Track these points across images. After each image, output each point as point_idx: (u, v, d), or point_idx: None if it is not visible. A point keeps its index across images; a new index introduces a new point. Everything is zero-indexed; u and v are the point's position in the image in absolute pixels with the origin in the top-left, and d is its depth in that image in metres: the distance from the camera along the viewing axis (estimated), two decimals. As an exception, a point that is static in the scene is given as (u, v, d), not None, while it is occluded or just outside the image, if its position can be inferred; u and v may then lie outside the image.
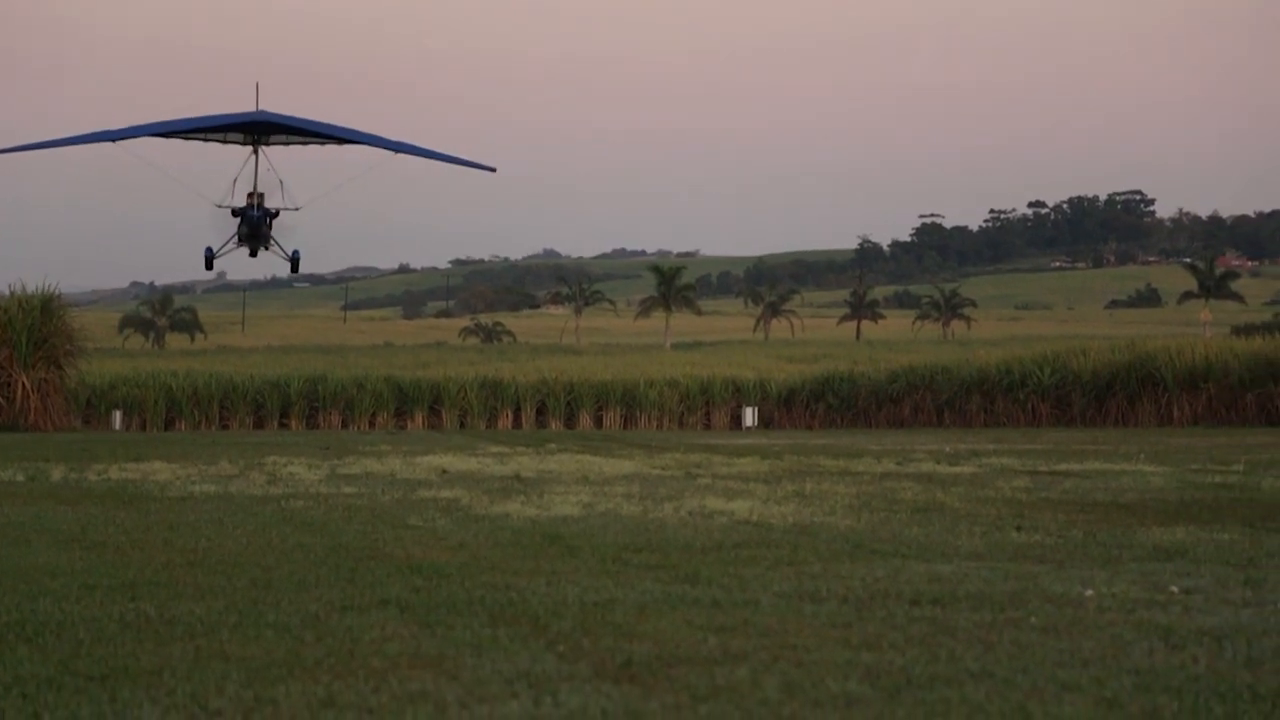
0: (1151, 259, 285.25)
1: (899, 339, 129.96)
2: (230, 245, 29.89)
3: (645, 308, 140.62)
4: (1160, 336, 68.67)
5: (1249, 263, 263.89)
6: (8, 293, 51.66)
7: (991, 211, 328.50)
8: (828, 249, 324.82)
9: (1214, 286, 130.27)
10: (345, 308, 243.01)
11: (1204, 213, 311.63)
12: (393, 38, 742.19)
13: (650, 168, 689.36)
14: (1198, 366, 56.84)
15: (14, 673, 7.30)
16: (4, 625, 8.60)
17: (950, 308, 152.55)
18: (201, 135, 29.67)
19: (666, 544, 12.45)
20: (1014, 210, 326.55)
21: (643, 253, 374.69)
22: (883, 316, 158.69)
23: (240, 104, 29.69)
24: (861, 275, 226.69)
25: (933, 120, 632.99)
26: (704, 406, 70.72)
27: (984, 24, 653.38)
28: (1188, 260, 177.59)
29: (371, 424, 67.63)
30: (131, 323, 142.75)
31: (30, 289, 51.67)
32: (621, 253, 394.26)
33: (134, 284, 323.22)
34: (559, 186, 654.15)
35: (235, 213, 29.37)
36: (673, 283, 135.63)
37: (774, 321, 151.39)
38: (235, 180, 29.27)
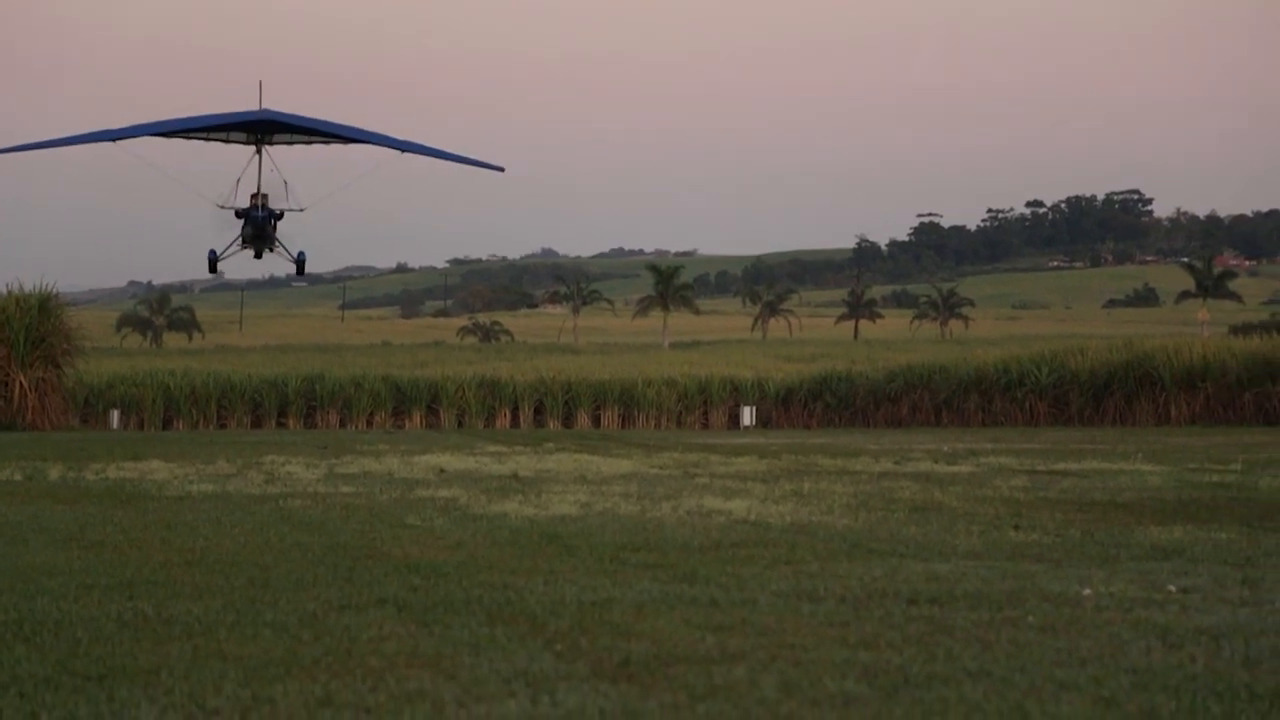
0: (1149, 258, 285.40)
1: (897, 338, 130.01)
2: (234, 247, 29.34)
3: (643, 307, 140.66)
4: (1158, 336, 68.63)
5: (1247, 262, 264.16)
6: (5, 292, 51.60)
7: (989, 211, 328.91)
8: (826, 248, 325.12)
9: (1212, 286, 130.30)
10: (343, 307, 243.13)
11: (1202, 212, 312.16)
12: (393, 38, 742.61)
13: (648, 167, 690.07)
14: (1195, 366, 56.85)
15: (12, 672, 7.30)
16: (2, 624, 8.59)
17: (948, 307, 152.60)
18: (204, 134, 29.17)
19: (664, 543, 12.45)
20: (1012, 210, 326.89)
21: (641, 252, 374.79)
22: (881, 316, 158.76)
23: (240, 104, 29.23)
24: (859, 275, 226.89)
25: (930, 120, 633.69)
26: (702, 406, 70.71)
27: (983, 24, 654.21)
28: (1185, 260, 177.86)
29: (369, 423, 67.62)
30: (129, 322, 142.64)
31: (28, 288, 51.67)
32: (619, 252, 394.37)
33: (132, 283, 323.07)
34: (557, 186, 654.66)
35: (239, 214, 28.81)
36: (671, 282, 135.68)
37: (772, 321, 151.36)
38: (238, 180, 28.83)
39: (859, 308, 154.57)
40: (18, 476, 21.27)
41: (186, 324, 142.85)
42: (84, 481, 20.52)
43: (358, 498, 17.61)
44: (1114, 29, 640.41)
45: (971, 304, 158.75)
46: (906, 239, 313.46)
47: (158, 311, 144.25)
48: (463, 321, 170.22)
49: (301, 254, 29.67)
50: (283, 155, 29.18)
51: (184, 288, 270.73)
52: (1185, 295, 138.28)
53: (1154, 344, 60.08)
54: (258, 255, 29.42)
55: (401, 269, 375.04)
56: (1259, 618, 8.76)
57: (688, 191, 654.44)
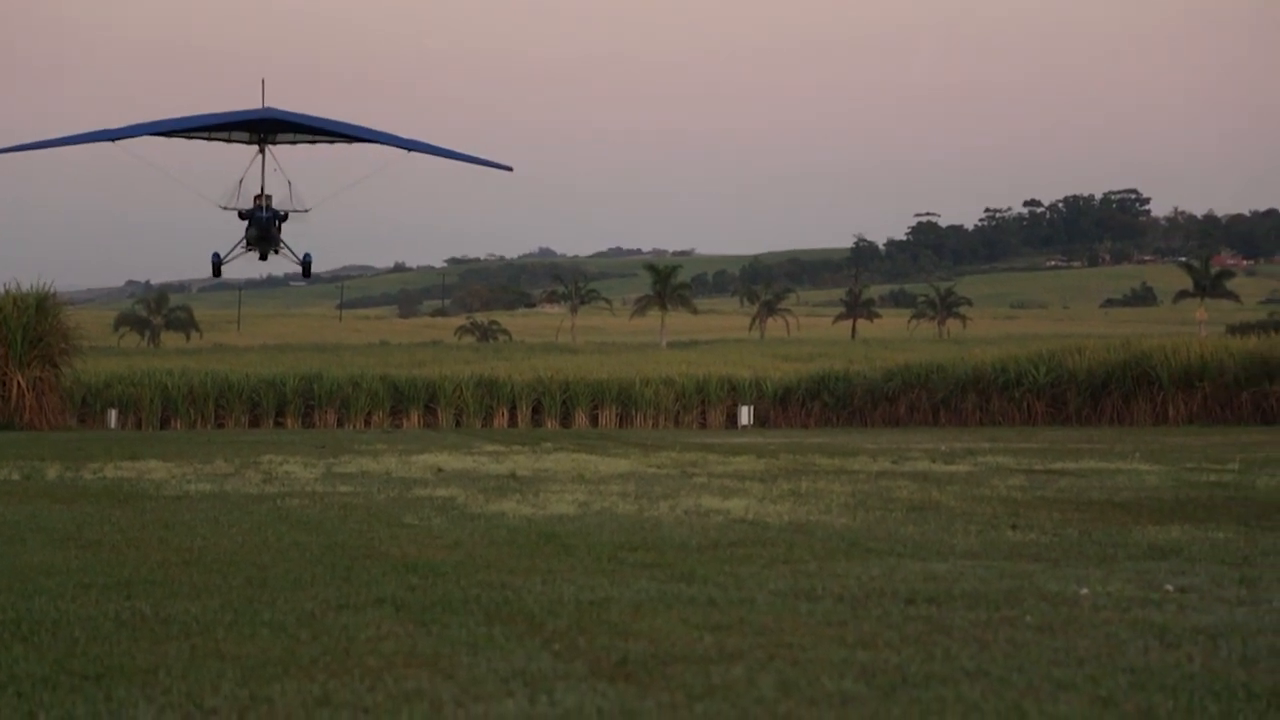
0: (1147, 258, 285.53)
1: (894, 338, 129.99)
2: (239, 250, 28.80)
3: (641, 306, 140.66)
4: (1156, 335, 68.67)
5: (1244, 262, 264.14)
6: (3, 291, 51.57)
7: (987, 210, 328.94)
8: (823, 248, 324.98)
9: (1209, 285, 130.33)
10: (341, 306, 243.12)
11: (1199, 212, 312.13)
12: (393, 38, 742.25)
13: (646, 167, 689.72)
14: (1193, 365, 56.85)
15: (9, 671, 7.30)
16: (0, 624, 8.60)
17: (946, 306, 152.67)
18: (206, 134, 28.72)
19: (662, 542, 12.45)
20: (1009, 209, 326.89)
21: (638, 251, 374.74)
22: (878, 315, 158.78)
23: (241, 103, 28.68)
24: (857, 274, 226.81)
25: (928, 120, 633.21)
26: (700, 405, 70.66)
27: (982, 24, 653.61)
28: (1183, 259, 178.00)
29: (367, 422, 67.58)
30: (127, 321, 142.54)
31: (25, 287, 51.64)
32: (617, 251, 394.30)
33: (129, 283, 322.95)
34: (555, 185, 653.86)
35: (243, 215, 28.30)
36: (668, 281, 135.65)
37: (770, 320, 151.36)
38: (241, 181, 28.38)
39: (857, 307, 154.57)
40: (15, 476, 21.26)
41: (184, 323, 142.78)
42: (81, 481, 20.51)
43: (355, 497, 17.60)
44: (1113, 29, 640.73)
45: (969, 303, 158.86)
46: (904, 238, 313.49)
47: (155, 311, 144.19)
48: (460, 321, 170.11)
49: (308, 256, 29.13)
50: (285, 155, 28.70)
51: (182, 287, 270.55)
52: (1183, 295, 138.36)
53: (1151, 344, 60.09)
54: (263, 257, 28.87)
55: (399, 268, 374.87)
56: (1256, 617, 8.77)
57: (686, 191, 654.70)
